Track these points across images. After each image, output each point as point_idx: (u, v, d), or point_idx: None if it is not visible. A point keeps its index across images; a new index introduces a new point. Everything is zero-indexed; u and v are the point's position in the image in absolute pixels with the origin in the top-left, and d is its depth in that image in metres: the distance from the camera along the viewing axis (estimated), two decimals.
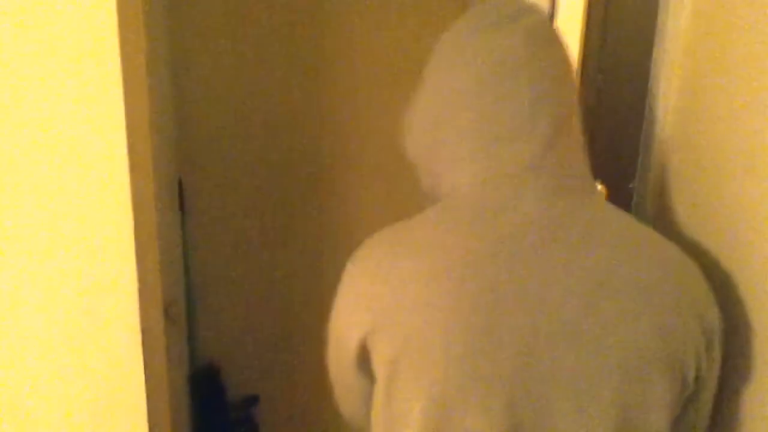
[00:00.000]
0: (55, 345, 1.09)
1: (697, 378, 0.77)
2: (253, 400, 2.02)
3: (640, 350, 0.72)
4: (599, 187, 1.19)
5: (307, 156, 1.96)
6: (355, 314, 0.78)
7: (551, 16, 1.13)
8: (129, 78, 1.02)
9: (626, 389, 0.72)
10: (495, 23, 0.79)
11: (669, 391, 0.73)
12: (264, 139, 1.94)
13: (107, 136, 1.04)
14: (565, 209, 0.76)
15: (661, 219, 1.02)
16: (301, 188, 1.94)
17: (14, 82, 0.97)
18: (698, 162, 0.93)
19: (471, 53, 0.79)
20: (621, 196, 1.12)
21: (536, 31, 0.79)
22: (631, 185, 1.10)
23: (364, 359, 0.81)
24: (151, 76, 1.35)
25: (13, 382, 1.06)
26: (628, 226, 0.79)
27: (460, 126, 0.79)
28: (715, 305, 0.78)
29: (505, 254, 0.73)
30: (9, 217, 1.01)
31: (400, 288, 0.74)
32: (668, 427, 0.75)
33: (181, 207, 1.81)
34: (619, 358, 0.71)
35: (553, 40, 0.81)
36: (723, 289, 0.84)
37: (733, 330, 0.83)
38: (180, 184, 1.81)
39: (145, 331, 1.15)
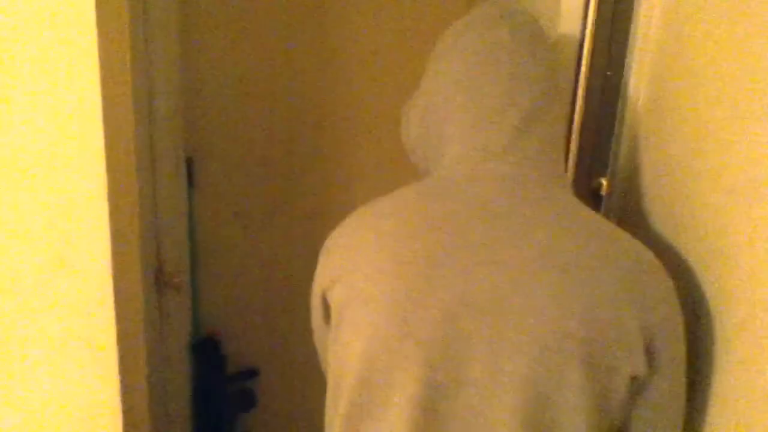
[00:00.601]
0: (25, 292, 1.01)
1: (635, 376, 0.78)
2: (252, 372, 2.07)
3: (560, 334, 0.75)
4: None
5: (311, 134, 2.02)
6: (321, 274, 0.89)
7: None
8: (104, 34, 0.93)
9: (541, 368, 0.75)
10: (487, 20, 0.89)
11: (589, 380, 0.75)
12: (270, 118, 2.00)
13: (81, 92, 0.95)
14: (521, 195, 0.82)
15: (630, 215, 1.06)
16: (305, 165, 2.00)
17: None
18: (666, 161, 0.96)
19: (462, 45, 0.88)
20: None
21: (522, 29, 0.88)
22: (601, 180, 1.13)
23: (326, 313, 0.90)
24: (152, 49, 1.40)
25: None
26: (585, 219, 0.83)
27: (447, 110, 0.88)
28: (670, 306, 0.80)
29: (450, 227, 0.80)
30: None
31: (355, 251, 0.84)
32: (588, 414, 0.77)
33: (190, 182, 1.88)
34: (538, 337, 0.75)
35: (537, 38, 0.89)
36: (688, 287, 0.86)
37: (699, 328, 0.85)
38: (189, 161, 1.88)
39: (122, 300, 1.06)
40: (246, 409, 2.04)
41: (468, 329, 0.77)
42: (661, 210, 0.98)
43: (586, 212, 0.84)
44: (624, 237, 0.83)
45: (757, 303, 0.74)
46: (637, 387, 0.79)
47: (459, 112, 0.87)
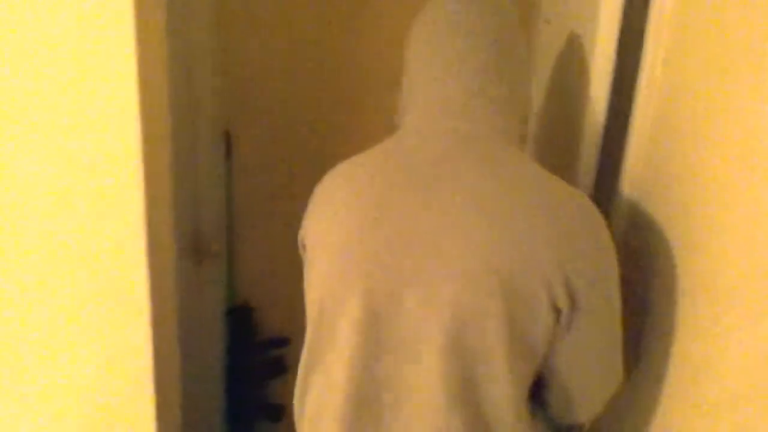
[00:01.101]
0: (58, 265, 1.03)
1: (558, 309, 0.84)
2: (283, 341, 2.12)
3: (484, 267, 0.83)
4: None
5: (347, 109, 2.06)
6: (303, 226, 1.01)
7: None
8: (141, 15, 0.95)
9: (466, 299, 0.84)
10: None
11: (510, 309, 0.83)
12: (306, 93, 2.05)
13: (117, 57, 0.96)
14: (469, 149, 0.90)
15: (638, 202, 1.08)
16: (338, 139, 2.04)
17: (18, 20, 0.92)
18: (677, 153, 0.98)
19: (432, 15, 0.98)
20: None
21: (486, 2, 0.97)
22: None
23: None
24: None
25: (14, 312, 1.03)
26: (524, 171, 0.90)
27: (417, 73, 0.98)
28: (594, 246, 0.86)
29: (400, 176, 0.90)
30: (12, 151, 0.97)
31: (322, 200, 0.97)
32: (510, 343, 0.84)
33: (228, 155, 1.95)
34: (465, 271, 0.84)
35: (501, 12, 0.97)
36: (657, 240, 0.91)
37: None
38: (228, 134, 1.94)
39: (155, 263, 1.06)
40: (276, 376, 2.10)
41: (405, 263, 0.87)
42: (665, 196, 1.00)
43: (528, 166, 0.92)
44: (559, 186, 0.89)
45: (720, 255, 0.77)
46: (563, 322, 0.85)
47: (423, 72, 0.96)
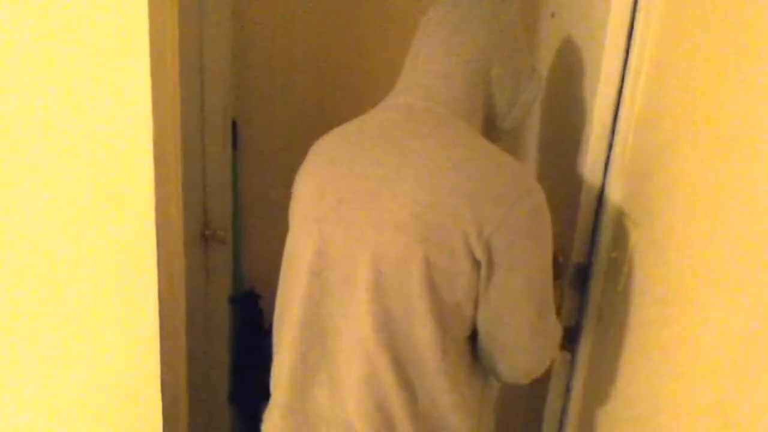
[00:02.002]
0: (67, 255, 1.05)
1: (477, 261, 0.94)
2: None
3: (409, 216, 0.94)
4: None
5: (354, 101, 2.08)
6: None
7: None
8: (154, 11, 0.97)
9: (392, 245, 0.95)
10: None
11: (431, 256, 0.93)
12: (313, 84, 2.07)
13: (129, 42, 0.98)
14: (420, 120, 1.02)
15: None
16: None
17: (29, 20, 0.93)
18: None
19: (433, 14, 1.09)
20: None
21: (474, 4, 1.07)
22: None
23: None
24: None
25: (23, 297, 1.05)
26: (468, 141, 1.00)
27: (407, 60, 1.10)
28: (516, 206, 0.93)
29: (358, 141, 1.04)
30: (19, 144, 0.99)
31: (304, 165, 1.12)
32: (431, 291, 0.94)
33: (234, 145, 1.97)
34: (393, 218, 0.95)
35: (489, 14, 1.07)
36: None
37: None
38: (234, 124, 1.97)
39: (163, 250, 1.09)
40: None
41: (350, 212, 1.00)
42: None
43: (475, 140, 1.01)
44: (499, 157, 0.98)
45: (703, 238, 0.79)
46: (483, 275, 0.95)
47: (409, 59, 1.09)
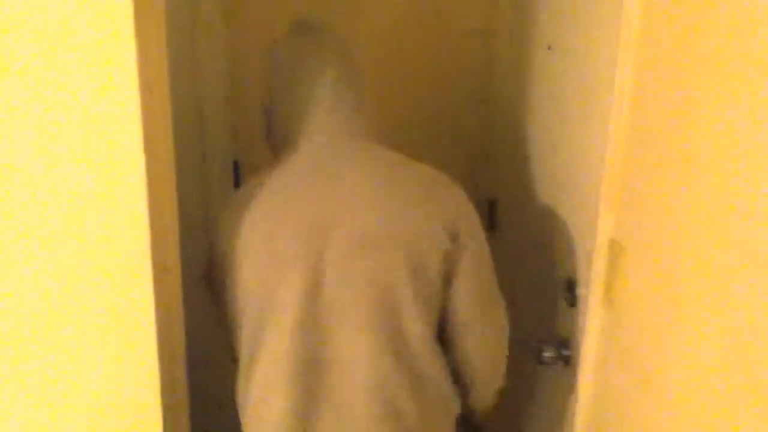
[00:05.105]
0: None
1: (446, 251, 1.12)
2: None
3: (388, 233, 1.10)
4: None
5: None
6: (214, 250, 1.24)
7: None
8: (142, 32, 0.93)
9: (379, 262, 1.10)
10: (300, 35, 1.28)
11: (410, 259, 1.10)
12: None
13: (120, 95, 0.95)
14: (343, 152, 1.17)
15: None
16: None
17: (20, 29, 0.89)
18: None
19: (287, 53, 1.27)
20: None
21: (328, 39, 1.25)
22: None
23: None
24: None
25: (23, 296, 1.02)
26: (390, 158, 1.18)
27: (284, 108, 1.26)
28: (463, 205, 1.17)
29: (301, 183, 1.15)
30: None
31: (230, 221, 1.18)
32: (415, 288, 1.11)
33: (236, 184, 1.97)
34: (373, 239, 1.10)
35: (338, 49, 1.24)
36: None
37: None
38: (236, 164, 1.97)
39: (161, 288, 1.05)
40: None
41: (321, 241, 1.10)
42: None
43: (390, 154, 1.19)
44: (422, 166, 1.18)
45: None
46: (451, 260, 1.13)
47: (289, 107, 1.24)
